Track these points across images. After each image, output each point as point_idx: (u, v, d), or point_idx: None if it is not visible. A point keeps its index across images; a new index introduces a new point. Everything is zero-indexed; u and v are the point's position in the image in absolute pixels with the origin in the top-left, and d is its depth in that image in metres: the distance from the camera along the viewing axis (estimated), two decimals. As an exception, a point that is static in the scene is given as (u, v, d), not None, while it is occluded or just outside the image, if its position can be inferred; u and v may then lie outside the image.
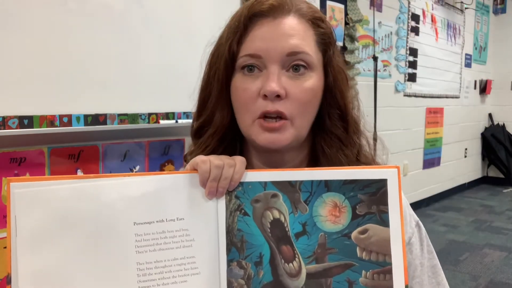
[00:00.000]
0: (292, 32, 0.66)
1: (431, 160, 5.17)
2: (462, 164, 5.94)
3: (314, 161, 0.72)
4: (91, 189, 0.58)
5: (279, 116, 0.65)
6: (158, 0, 2.15)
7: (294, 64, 0.65)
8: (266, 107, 0.64)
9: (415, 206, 4.73)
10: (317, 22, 0.69)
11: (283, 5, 0.67)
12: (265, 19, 0.66)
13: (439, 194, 5.40)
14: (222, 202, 0.60)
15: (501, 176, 6.30)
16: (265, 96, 0.64)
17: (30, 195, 0.56)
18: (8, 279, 0.54)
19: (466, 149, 6.03)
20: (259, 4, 0.67)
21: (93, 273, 0.56)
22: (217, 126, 0.70)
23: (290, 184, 0.61)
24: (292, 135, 0.66)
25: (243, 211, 0.60)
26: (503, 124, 6.38)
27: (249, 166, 0.64)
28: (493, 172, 6.46)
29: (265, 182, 0.61)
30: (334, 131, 0.70)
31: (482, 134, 6.39)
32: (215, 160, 0.61)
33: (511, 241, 3.97)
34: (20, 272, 0.54)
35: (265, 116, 0.65)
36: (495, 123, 6.45)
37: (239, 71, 0.67)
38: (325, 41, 0.69)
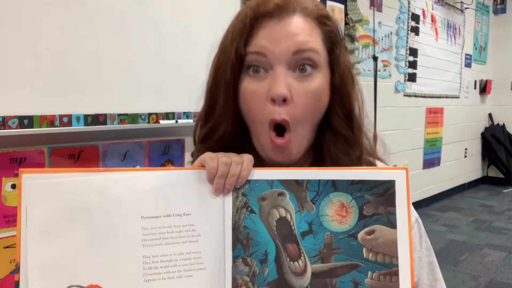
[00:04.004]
0: (297, 31, 0.65)
1: (431, 160, 5.17)
2: (462, 164, 5.94)
3: (318, 160, 0.72)
4: (100, 182, 0.58)
5: (285, 126, 0.65)
6: (158, 0, 2.15)
7: (301, 63, 0.65)
8: (274, 115, 0.64)
9: (415, 206, 4.70)
10: (323, 20, 0.68)
11: (288, 4, 0.66)
12: (271, 20, 0.65)
13: (439, 194, 5.40)
14: (229, 199, 0.60)
15: (501, 176, 6.30)
16: (272, 100, 0.64)
17: (41, 186, 0.57)
18: (16, 268, 0.55)
19: (466, 149, 6.03)
20: (264, 4, 0.66)
21: (100, 264, 0.57)
22: (223, 131, 0.70)
23: (297, 183, 0.60)
24: (298, 149, 0.67)
25: (249, 208, 0.60)
26: (503, 124, 6.38)
27: (257, 160, 0.64)
28: (493, 172, 6.46)
29: (272, 181, 0.61)
30: (341, 131, 0.69)
31: (482, 134, 6.39)
32: (223, 157, 0.61)
33: (511, 241, 3.97)
34: (29, 262, 0.55)
35: (274, 127, 0.66)
36: (495, 123, 6.45)
37: (246, 73, 0.67)
38: (331, 39, 0.69)
